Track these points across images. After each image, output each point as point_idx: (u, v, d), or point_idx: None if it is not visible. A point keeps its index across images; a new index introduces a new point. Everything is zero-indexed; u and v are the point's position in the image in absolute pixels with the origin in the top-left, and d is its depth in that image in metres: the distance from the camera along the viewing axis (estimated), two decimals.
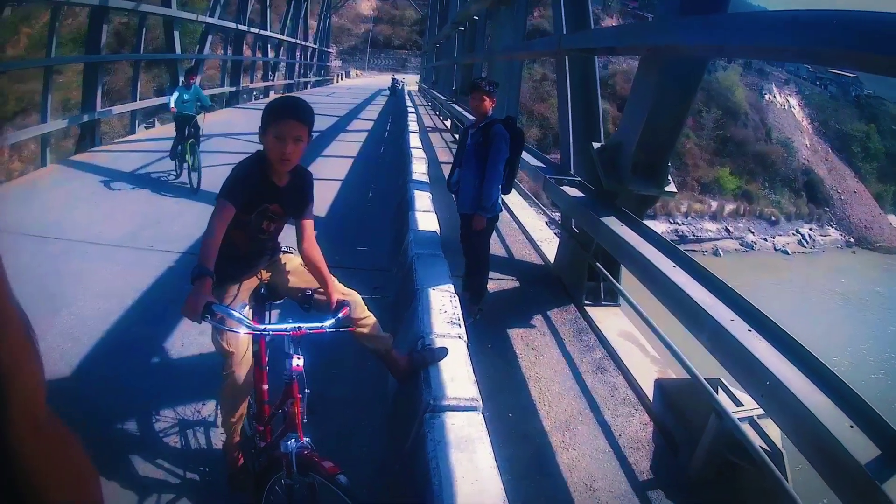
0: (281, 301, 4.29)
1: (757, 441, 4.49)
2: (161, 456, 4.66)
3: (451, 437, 3.57)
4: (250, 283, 4.16)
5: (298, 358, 3.49)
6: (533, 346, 7.18)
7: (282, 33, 47.14)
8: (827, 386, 3.57)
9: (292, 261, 4.40)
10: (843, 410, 3.37)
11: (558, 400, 6.12)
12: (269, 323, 4.14)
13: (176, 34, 23.65)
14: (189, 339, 6.35)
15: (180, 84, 14.43)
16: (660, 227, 61.69)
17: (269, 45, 41.73)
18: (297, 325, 3.48)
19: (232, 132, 20.15)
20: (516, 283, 9.13)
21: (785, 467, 4.38)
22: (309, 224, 4.19)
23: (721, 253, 69.39)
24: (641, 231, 6.54)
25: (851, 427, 3.24)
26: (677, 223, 71.89)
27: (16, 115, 71.11)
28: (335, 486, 3.25)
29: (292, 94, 35.08)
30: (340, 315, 3.65)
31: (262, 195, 3.89)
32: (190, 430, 4.97)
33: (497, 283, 8.96)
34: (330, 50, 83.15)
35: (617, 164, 7.48)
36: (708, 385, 5.07)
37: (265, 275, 4.26)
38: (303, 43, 56.21)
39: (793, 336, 4.01)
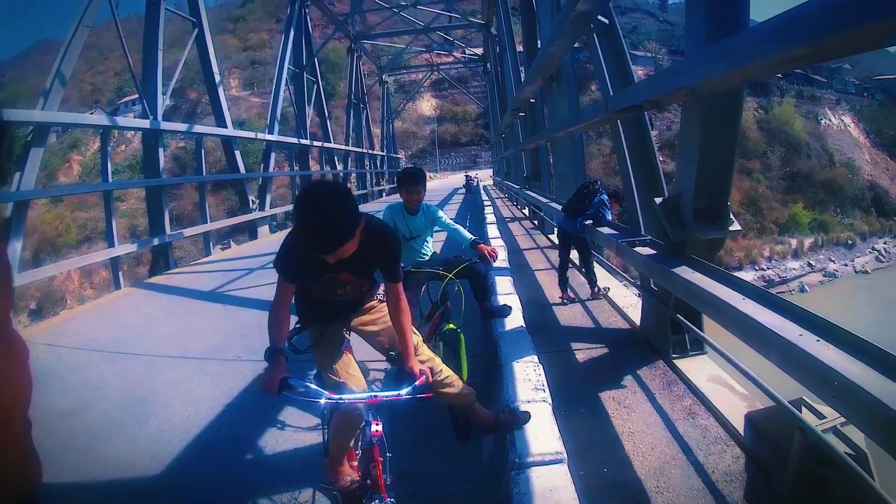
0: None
1: (842, 448, 4.48)
2: None
3: (536, 488, 3.59)
4: (336, 329, 4.24)
5: (377, 424, 3.66)
6: (624, 405, 7.17)
7: (346, 144, 47.32)
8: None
9: (382, 310, 4.46)
10: None
11: (651, 449, 6.10)
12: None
13: (237, 153, 23.96)
14: (283, 437, 6.45)
15: (395, 206, 7.55)
16: (746, 275, 61.62)
17: (335, 158, 41.68)
18: (373, 393, 3.62)
19: None
20: (605, 350, 9.15)
21: (871, 468, 4.36)
22: (393, 287, 4.19)
23: (807, 288, 69.23)
24: (711, 273, 6.58)
25: None
26: (762, 269, 72.51)
27: (80, 243, 73.14)
28: None
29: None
30: (417, 383, 3.75)
31: (321, 267, 3.75)
32: None
33: (586, 352, 9.03)
34: (398, 156, 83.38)
35: (680, 215, 7.50)
36: (790, 406, 5.07)
37: (353, 321, 4.35)
38: (369, 151, 56.39)
39: (860, 336, 4.01)
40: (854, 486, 4.26)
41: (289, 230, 3.92)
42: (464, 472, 5.40)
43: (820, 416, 4.91)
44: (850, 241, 79.71)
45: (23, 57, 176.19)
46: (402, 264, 5.15)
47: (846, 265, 76.25)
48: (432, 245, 7.69)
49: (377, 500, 3.61)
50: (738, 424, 6.19)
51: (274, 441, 6.39)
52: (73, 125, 20.26)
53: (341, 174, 42.81)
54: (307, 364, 4.34)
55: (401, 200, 7.39)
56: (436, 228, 7.64)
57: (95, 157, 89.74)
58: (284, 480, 5.56)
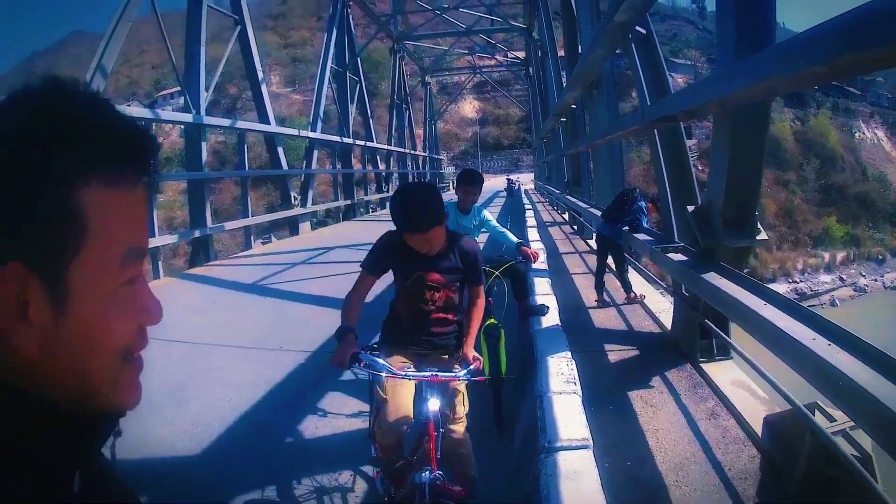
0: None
1: (849, 451, 4.63)
2: None
3: (562, 470, 3.78)
4: (410, 357, 4.37)
5: (435, 401, 3.90)
6: (651, 404, 7.37)
7: (389, 144, 47.35)
8: None
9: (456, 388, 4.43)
10: None
11: (673, 446, 6.30)
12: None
13: (280, 150, 24.10)
14: (323, 423, 6.70)
15: (448, 204, 6.23)
16: (780, 287, 61.04)
17: (378, 157, 41.65)
18: (434, 372, 3.90)
19: (354, 243, 20.49)
20: (636, 352, 9.34)
21: (874, 469, 4.51)
22: (475, 289, 4.52)
23: (837, 303, 68.27)
24: (738, 279, 6.73)
25: None
26: (795, 281, 71.55)
27: None
28: None
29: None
30: (472, 367, 4.01)
31: (411, 263, 4.21)
32: (327, 496, 5.29)
33: (618, 353, 9.22)
34: (440, 157, 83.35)
35: (710, 223, 7.68)
36: (804, 408, 5.25)
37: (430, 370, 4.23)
38: (412, 152, 56.37)
39: (869, 342, 4.16)
40: (858, 488, 4.44)
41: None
42: (499, 455, 5.61)
43: (831, 419, 5.06)
44: (880, 256, 78.82)
45: (56, 48, 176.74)
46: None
47: (876, 280, 75.31)
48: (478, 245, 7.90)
49: (427, 471, 3.78)
50: (757, 426, 6.34)
51: (314, 427, 6.62)
52: None
53: (384, 173, 42.96)
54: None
55: (454, 199, 7.71)
56: (482, 230, 7.98)
57: None
58: (324, 463, 5.80)
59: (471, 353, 4.20)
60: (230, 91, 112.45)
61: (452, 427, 4.34)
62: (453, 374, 3.98)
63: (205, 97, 19.35)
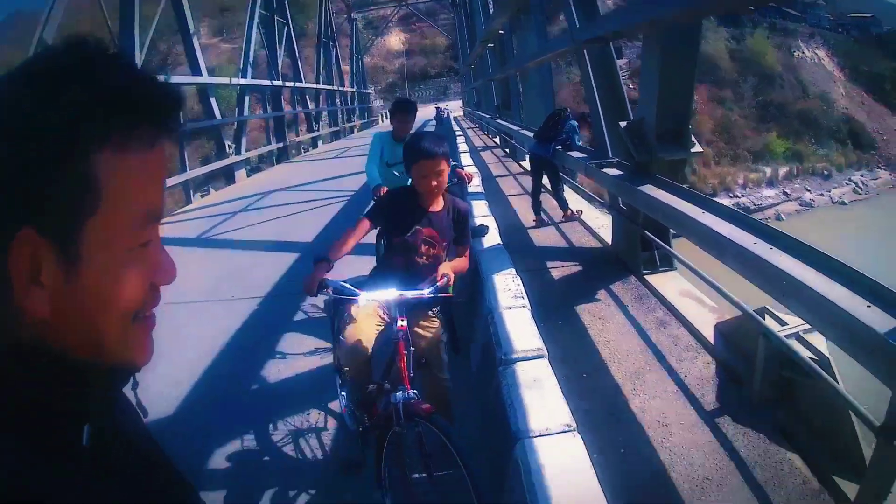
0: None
1: (805, 353, 4.79)
2: (280, 457, 5.20)
3: (522, 379, 3.97)
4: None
5: (402, 320, 4.00)
6: (599, 317, 7.61)
7: (317, 83, 47.23)
8: (843, 278, 3.87)
9: (433, 327, 4.59)
10: (860, 294, 3.65)
11: (626, 356, 6.55)
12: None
13: (213, 100, 24.05)
14: (283, 365, 6.85)
15: (383, 134, 7.97)
16: (721, 202, 60.88)
17: (307, 97, 41.33)
18: (399, 291, 4.01)
19: (290, 185, 20.87)
20: (579, 268, 9.57)
21: (833, 371, 4.62)
22: (462, 249, 4.70)
23: (783, 217, 67.75)
24: (674, 190, 6.94)
25: (869, 307, 3.51)
26: (737, 196, 70.57)
27: None
28: (430, 423, 3.66)
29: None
30: (439, 283, 4.07)
31: (412, 217, 4.43)
32: (302, 438, 5.42)
33: (561, 270, 9.49)
34: (369, 91, 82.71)
35: (644, 138, 7.83)
36: (754, 313, 5.44)
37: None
38: (340, 89, 56.02)
39: (811, 245, 4.34)
40: (819, 389, 4.66)
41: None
42: (459, 374, 5.73)
43: (782, 323, 5.26)
44: (826, 172, 77.47)
45: None
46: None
47: (822, 195, 74.21)
48: None
49: (401, 390, 3.87)
50: (708, 334, 6.59)
51: (276, 370, 6.77)
52: None
53: (313, 112, 42.86)
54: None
55: (388, 130, 7.88)
56: None
57: None
58: (292, 405, 5.95)
59: (440, 270, 4.24)
60: (160, 48, 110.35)
61: (424, 345, 4.48)
62: (419, 293, 4.06)
63: (139, 58, 19.07)
